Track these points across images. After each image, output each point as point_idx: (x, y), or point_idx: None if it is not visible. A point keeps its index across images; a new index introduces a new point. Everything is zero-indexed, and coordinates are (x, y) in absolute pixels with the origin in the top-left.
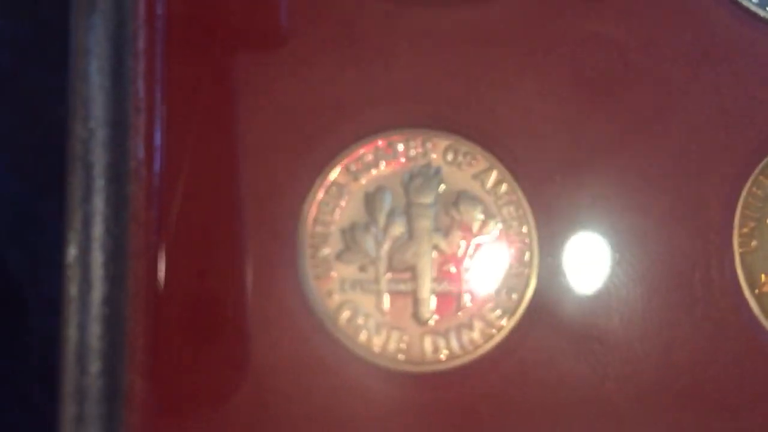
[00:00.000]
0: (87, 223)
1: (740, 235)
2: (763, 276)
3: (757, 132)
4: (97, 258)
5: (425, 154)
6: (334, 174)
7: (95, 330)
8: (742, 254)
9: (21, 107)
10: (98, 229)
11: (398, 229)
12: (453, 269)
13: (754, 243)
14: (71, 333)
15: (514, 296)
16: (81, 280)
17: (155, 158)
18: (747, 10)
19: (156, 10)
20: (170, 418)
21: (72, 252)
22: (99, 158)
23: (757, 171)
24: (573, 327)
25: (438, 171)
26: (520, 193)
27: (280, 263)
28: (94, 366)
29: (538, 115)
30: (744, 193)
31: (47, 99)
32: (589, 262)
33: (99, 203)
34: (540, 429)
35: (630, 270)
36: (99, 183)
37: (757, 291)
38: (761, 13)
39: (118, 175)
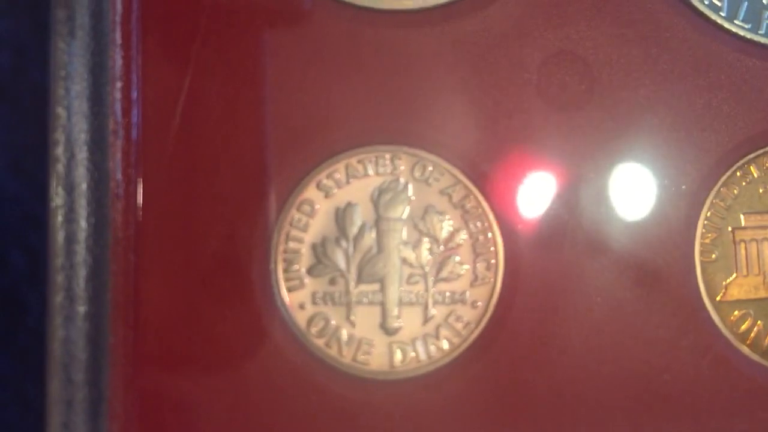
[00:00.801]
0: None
1: (701, 245)
2: (722, 285)
3: (720, 145)
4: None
5: (394, 170)
6: (306, 191)
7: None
8: (703, 264)
9: (21, 107)
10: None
11: (368, 242)
12: (420, 280)
13: (714, 254)
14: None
15: (480, 305)
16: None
17: (133, 170)
18: (714, 23)
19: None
20: (150, 421)
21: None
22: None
23: (719, 184)
24: (534, 336)
25: (406, 187)
26: (485, 207)
27: (255, 277)
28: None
29: (503, 131)
30: (706, 204)
31: (47, 99)
32: (551, 273)
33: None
34: None
35: (591, 281)
36: (82, 203)
37: (717, 299)
38: (729, 26)
39: (99, 196)
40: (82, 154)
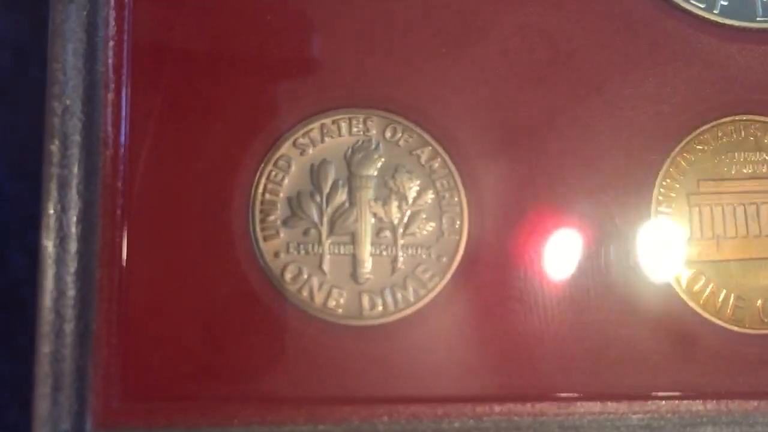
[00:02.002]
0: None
1: (658, 208)
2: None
3: (676, 117)
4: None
5: (366, 131)
6: (284, 148)
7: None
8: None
9: (21, 107)
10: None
11: (340, 198)
12: (389, 234)
13: (669, 216)
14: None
15: (445, 260)
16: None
17: (121, 133)
18: (671, 2)
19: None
20: (136, 360)
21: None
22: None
23: (674, 152)
24: (497, 289)
25: (378, 146)
26: (452, 167)
27: (235, 226)
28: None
29: (470, 97)
30: (663, 170)
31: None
32: (512, 231)
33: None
34: (465, 380)
35: (551, 237)
36: (73, 152)
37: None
38: (684, 5)
39: (90, 145)
40: (75, 107)
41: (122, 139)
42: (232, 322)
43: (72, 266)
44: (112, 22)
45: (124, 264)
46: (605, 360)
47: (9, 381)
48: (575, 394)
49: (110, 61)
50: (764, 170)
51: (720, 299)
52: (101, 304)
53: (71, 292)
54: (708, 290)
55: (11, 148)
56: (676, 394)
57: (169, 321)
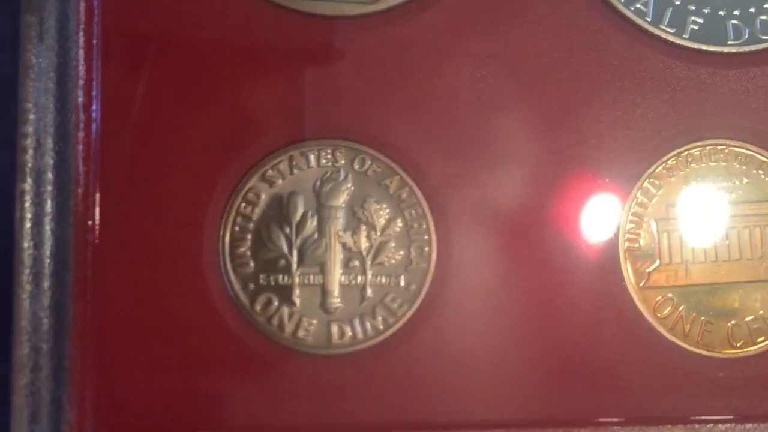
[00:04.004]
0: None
1: (626, 235)
2: (646, 272)
3: (644, 142)
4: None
5: (335, 162)
6: (252, 181)
7: None
8: (626, 252)
9: None
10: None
11: (309, 228)
12: (358, 264)
13: (638, 243)
14: None
15: (414, 288)
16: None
17: (92, 170)
18: (640, 28)
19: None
20: (109, 393)
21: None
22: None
23: (642, 178)
24: (465, 317)
25: (346, 177)
26: (420, 196)
27: (206, 258)
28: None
29: (437, 127)
30: (631, 197)
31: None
32: (481, 259)
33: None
34: (435, 407)
35: (518, 266)
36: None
37: (641, 285)
38: (654, 30)
39: (61, 182)
40: (47, 145)
41: (93, 176)
42: (203, 353)
43: (46, 301)
44: (81, 62)
45: (97, 298)
46: (571, 386)
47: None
48: (543, 419)
49: (80, 100)
50: (734, 196)
51: (689, 324)
52: (75, 339)
53: (45, 327)
54: (676, 315)
55: (12, 147)
56: (644, 418)
57: (142, 353)
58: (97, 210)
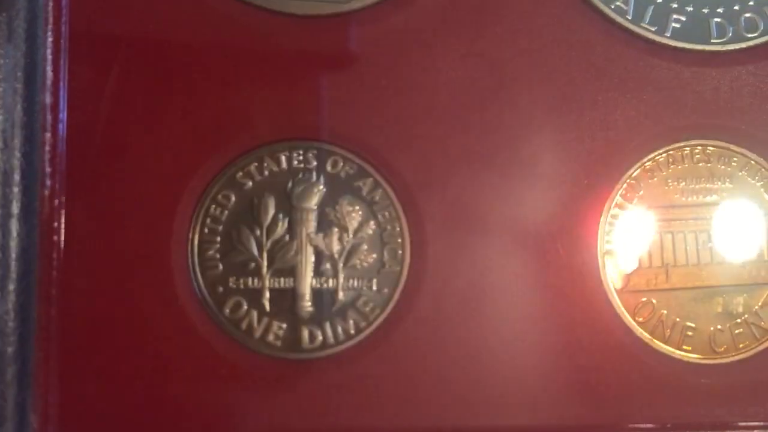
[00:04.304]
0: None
1: (605, 239)
2: (625, 276)
3: (625, 143)
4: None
5: (307, 163)
6: (222, 183)
7: None
8: (606, 255)
9: None
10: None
11: (280, 231)
12: (330, 267)
13: (617, 246)
14: None
15: (386, 291)
16: None
17: (60, 161)
18: (620, 26)
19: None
20: (74, 398)
21: None
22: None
23: (623, 179)
24: (438, 321)
25: (319, 178)
26: (393, 198)
27: (174, 261)
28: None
29: (412, 127)
30: (610, 199)
31: None
32: (455, 262)
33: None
34: (406, 413)
35: (495, 270)
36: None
37: (620, 288)
38: (635, 28)
39: (28, 184)
40: (14, 146)
41: (59, 177)
42: (170, 358)
43: (10, 304)
44: (49, 63)
45: (62, 301)
46: (549, 392)
47: None
48: (519, 426)
49: (48, 101)
50: (716, 197)
51: (669, 329)
52: (39, 343)
53: (9, 331)
54: (657, 319)
55: None
56: (624, 426)
57: (108, 358)
58: (63, 212)
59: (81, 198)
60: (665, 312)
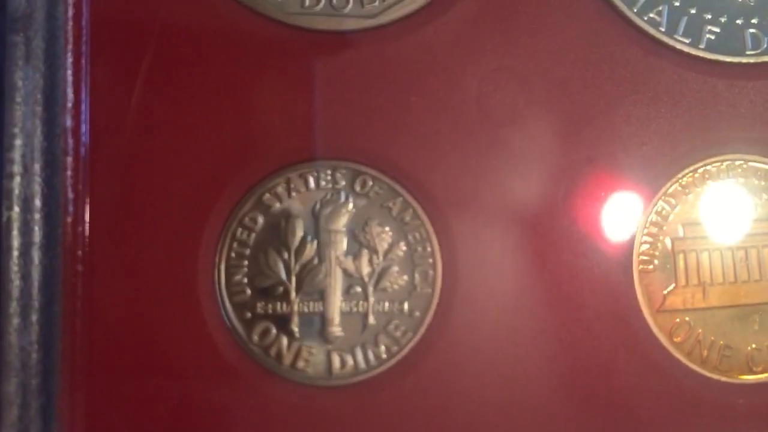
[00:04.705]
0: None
1: (640, 256)
2: (661, 295)
3: (659, 159)
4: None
5: (335, 183)
6: (249, 205)
7: None
8: (641, 274)
9: None
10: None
11: (308, 254)
12: (360, 290)
13: (653, 265)
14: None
15: (418, 314)
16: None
17: (82, 186)
18: (653, 38)
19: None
20: (101, 425)
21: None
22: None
23: (658, 196)
24: (472, 345)
25: (347, 199)
26: (424, 219)
27: (201, 287)
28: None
29: (442, 145)
30: (645, 216)
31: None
32: (488, 282)
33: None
34: None
35: (529, 291)
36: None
37: (656, 309)
38: (668, 41)
39: (49, 211)
40: (35, 171)
41: (82, 203)
42: (199, 386)
43: (34, 336)
44: (69, 84)
45: (87, 332)
46: (586, 415)
47: None
48: None
49: (68, 123)
50: (753, 214)
51: (706, 349)
52: (64, 375)
53: (33, 363)
54: (693, 339)
55: None
56: None
57: (134, 390)
58: (87, 238)
59: (104, 224)
60: (702, 332)
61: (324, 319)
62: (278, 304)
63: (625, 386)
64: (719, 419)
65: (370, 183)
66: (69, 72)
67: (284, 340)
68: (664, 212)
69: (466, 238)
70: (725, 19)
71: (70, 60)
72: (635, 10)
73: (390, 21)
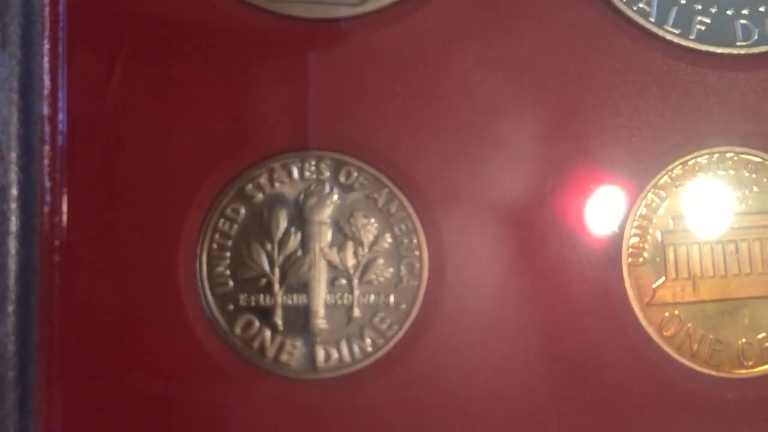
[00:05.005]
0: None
1: (630, 249)
2: (651, 288)
3: (648, 150)
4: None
5: (319, 174)
6: (231, 196)
7: None
8: (630, 267)
9: None
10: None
11: (292, 245)
12: (345, 282)
13: (642, 258)
14: None
15: (404, 307)
16: None
17: (60, 175)
18: (643, 29)
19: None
20: (81, 418)
21: None
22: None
23: (647, 188)
24: (459, 338)
25: (332, 190)
26: (410, 210)
27: (181, 278)
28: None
29: (428, 135)
30: (635, 209)
31: None
32: (475, 275)
33: None
34: None
35: (516, 285)
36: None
37: (646, 302)
38: (658, 31)
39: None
40: (11, 160)
41: (59, 192)
42: (179, 380)
43: (10, 327)
44: (46, 71)
45: (64, 323)
46: (575, 410)
47: None
48: None
49: (45, 111)
50: (744, 206)
51: (696, 343)
52: (41, 367)
53: (10, 354)
54: (684, 333)
55: None
56: None
57: (113, 382)
58: (65, 228)
59: (83, 214)
60: (692, 325)
61: (308, 312)
62: (261, 296)
63: (614, 381)
64: (710, 414)
65: (356, 174)
66: (46, 59)
67: (267, 333)
68: (653, 205)
69: (452, 230)
70: (715, 10)
71: (47, 46)
72: (624, 0)
73: (375, 9)
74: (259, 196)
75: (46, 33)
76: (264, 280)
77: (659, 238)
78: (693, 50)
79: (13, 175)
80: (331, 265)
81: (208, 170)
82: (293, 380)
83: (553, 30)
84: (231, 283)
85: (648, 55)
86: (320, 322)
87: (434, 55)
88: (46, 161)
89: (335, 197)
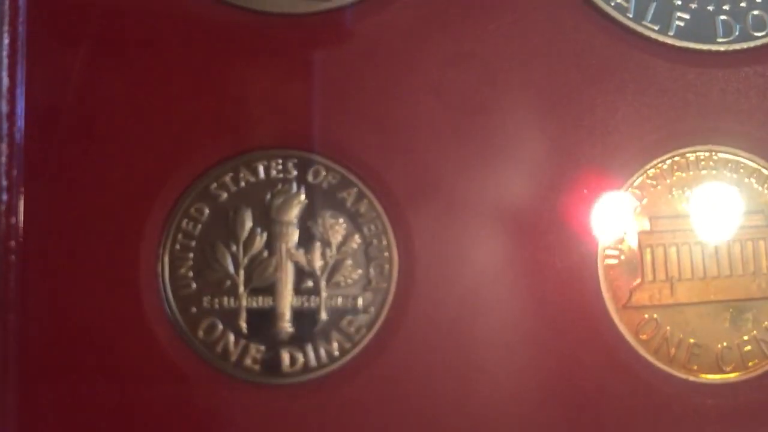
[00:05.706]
0: None
1: (605, 250)
2: (627, 291)
3: (626, 149)
4: None
5: (287, 173)
6: (194, 196)
7: None
8: (606, 269)
9: None
10: None
11: (258, 246)
12: (312, 284)
13: (618, 259)
14: None
15: (373, 310)
16: None
17: (17, 173)
18: (621, 25)
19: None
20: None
21: None
22: None
23: (625, 188)
24: (428, 342)
25: (299, 190)
26: (380, 210)
27: (143, 281)
28: None
29: (399, 133)
30: (611, 206)
31: None
32: (445, 278)
33: None
34: None
35: (488, 288)
36: None
37: (621, 305)
38: (636, 27)
39: None
40: None
41: (17, 189)
42: (138, 382)
43: None
44: (4, 66)
45: (19, 323)
46: (547, 414)
47: None
48: None
49: (2, 108)
50: (723, 207)
51: (674, 347)
52: None
53: None
54: (660, 337)
55: None
56: None
57: (70, 382)
58: (22, 226)
59: (40, 214)
60: (669, 329)
61: (273, 315)
62: (225, 298)
63: (589, 385)
64: (687, 420)
65: (323, 172)
66: (4, 54)
67: (231, 337)
68: (631, 205)
69: (423, 231)
70: (696, 6)
71: (5, 41)
72: None
73: (345, 4)
74: (224, 195)
75: (5, 28)
76: (228, 282)
77: (636, 239)
78: (672, 47)
79: None
80: (297, 266)
81: (171, 169)
82: (257, 385)
83: (528, 26)
84: (194, 284)
85: (626, 51)
86: (286, 325)
87: (404, 52)
88: (2, 159)
89: (302, 197)
